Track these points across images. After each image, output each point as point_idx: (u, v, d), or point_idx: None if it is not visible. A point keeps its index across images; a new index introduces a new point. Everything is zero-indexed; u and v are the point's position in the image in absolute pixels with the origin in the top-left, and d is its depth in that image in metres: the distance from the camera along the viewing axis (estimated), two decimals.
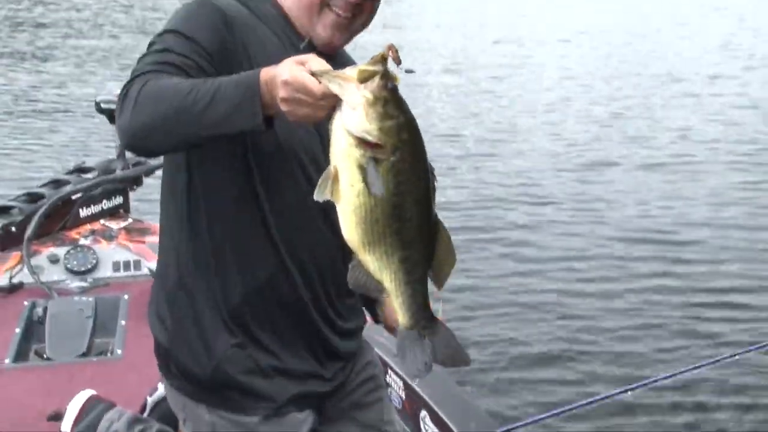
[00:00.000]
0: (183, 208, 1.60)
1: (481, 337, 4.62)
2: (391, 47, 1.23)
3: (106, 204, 4.04)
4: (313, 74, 1.23)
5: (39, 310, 3.21)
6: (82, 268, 3.60)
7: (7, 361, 2.92)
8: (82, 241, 3.77)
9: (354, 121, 1.22)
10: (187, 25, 1.49)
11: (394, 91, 1.23)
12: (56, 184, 4.03)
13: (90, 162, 4.28)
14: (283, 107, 1.26)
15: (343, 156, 1.25)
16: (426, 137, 1.32)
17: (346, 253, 1.39)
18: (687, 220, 6.75)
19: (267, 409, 1.60)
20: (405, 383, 2.73)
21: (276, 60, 1.42)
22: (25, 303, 3.29)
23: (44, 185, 4.06)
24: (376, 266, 1.32)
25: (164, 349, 1.67)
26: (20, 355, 3.00)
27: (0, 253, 3.59)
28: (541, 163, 8.21)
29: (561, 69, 13.33)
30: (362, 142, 1.23)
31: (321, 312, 1.64)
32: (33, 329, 3.17)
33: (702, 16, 19.55)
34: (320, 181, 1.27)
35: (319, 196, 1.26)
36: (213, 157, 1.53)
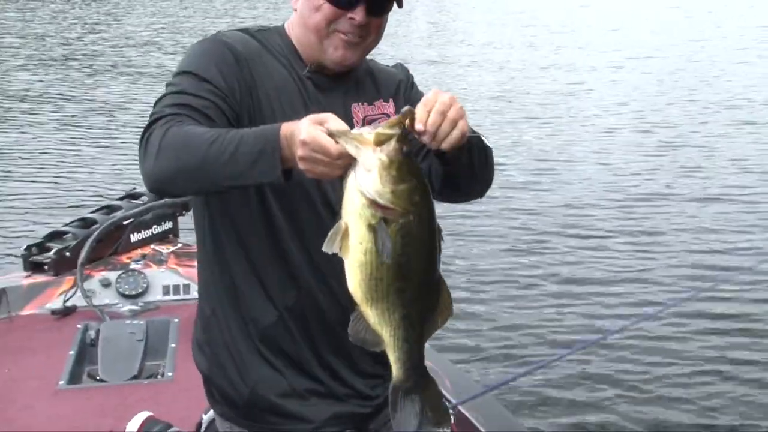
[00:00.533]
0: (208, 241, 1.66)
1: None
2: (408, 113, 1.28)
3: (156, 229, 4.11)
4: (330, 134, 1.26)
5: (92, 333, 3.26)
6: (133, 292, 3.65)
7: (61, 382, 2.97)
8: (133, 266, 3.83)
9: (368, 182, 1.27)
10: (200, 66, 1.54)
11: (408, 155, 1.28)
12: (108, 209, 4.11)
13: (140, 188, 4.34)
14: (301, 165, 1.29)
15: (355, 214, 1.29)
16: None
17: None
18: (743, 254, 6.33)
19: (305, 430, 1.64)
20: (453, 407, 2.68)
21: (283, 90, 1.53)
22: (78, 326, 3.34)
23: (96, 211, 4.16)
24: (377, 321, 1.37)
25: (205, 376, 1.73)
26: (74, 377, 3.05)
27: (54, 278, 3.66)
28: (589, 194, 7.88)
29: (612, 95, 12.84)
30: (374, 204, 1.28)
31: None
32: (86, 351, 3.22)
33: (759, 41, 18.46)
34: (330, 234, 1.31)
35: (328, 248, 1.31)
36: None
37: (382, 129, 1.27)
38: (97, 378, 3.08)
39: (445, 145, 1.37)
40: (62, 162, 8.90)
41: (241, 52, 1.57)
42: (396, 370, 1.42)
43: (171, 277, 3.72)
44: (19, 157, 9.07)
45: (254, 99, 1.55)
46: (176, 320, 3.39)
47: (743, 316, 5.25)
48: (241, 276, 1.63)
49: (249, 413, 1.66)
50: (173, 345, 3.23)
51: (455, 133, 1.37)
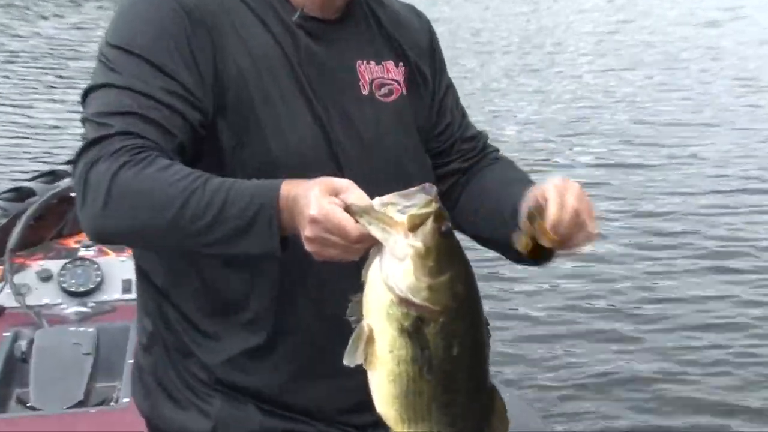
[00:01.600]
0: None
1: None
2: (431, 189, 1.18)
3: None
4: (347, 209, 1.16)
5: (23, 344, 2.89)
6: (82, 288, 3.27)
7: None
8: (83, 252, 3.44)
9: (399, 276, 1.16)
10: (147, 43, 1.32)
11: (449, 236, 1.18)
12: (52, 177, 3.82)
13: None
14: (308, 246, 1.18)
15: (382, 314, 1.18)
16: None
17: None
18: None
19: None
20: None
21: (262, 52, 1.37)
22: (6, 334, 2.99)
23: (36, 178, 3.91)
24: None
25: (146, 417, 1.63)
26: None
27: None
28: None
29: None
30: (406, 302, 1.17)
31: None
32: (15, 368, 2.86)
33: None
34: (351, 341, 1.20)
35: (349, 360, 1.19)
36: None
37: (417, 210, 1.16)
38: (28, 405, 2.76)
39: (564, 251, 1.34)
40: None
41: (192, 8, 1.35)
42: None
43: (132, 268, 3.17)
44: None
45: (221, 76, 1.35)
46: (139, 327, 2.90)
47: None
48: (197, 289, 1.47)
49: None
50: (132, 360, 2.68)
51: (584, 242, 1.31)
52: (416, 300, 1.16)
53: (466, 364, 1.23)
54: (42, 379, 2.78)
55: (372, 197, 1.18)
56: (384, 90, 1.51)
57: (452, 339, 1.20)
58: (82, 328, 2.98)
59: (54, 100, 9.75)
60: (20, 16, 15.98)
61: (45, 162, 6.85)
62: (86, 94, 1.33)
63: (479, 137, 1.71)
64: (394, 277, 1.16)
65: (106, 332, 2.96)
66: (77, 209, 1.31)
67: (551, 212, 1.25)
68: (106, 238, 1.37)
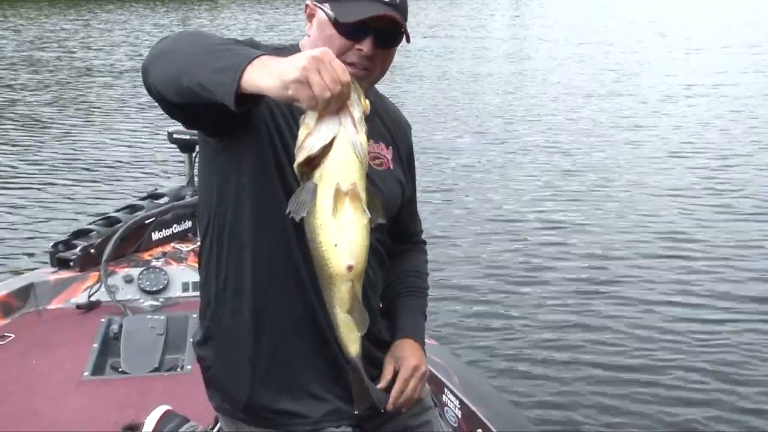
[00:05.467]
0: (209, 244, 1.65)
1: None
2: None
3: (176, 228, 4.21)
4: None
5: (114, 327, 3.34)
6: (154, 288, 3.74)
7: (86, 373, 3.07)
8: (154, 263, 3.91)
9: (365, 143, 1.28)
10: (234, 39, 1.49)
11: None
12: (131, 209, 4.20)
13: (162, 189, 4.48)
14: (298, 72, 1.17)
15: (359, 176, 1.29)
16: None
17: (372, 287, 1.58)
18: None
19: (305, 425, 1.66)
20: (461, 402, 2.78)
21: (296, 110, 1.44)
22: (102, 320, 3.43)
23: (120, 210, 4.23)
24: (357, 290, 1.38)
25: (205, 374, 1.74)
26: (97, 369, 3.14)
27: (80, 273, 3.76)
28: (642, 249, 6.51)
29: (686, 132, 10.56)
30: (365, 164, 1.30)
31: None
32: (109, 344, 3.31)
33: None
34: (333, 201, 1.27)
35: (325, 217, 1.26)
36: (251, 177, 1.55)
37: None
38: (120, 370, 3.16)
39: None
40: (89, 163, 9.11)
41: None
42: (360, 346, 1.49)
43: (190, 274, 3.80)
44: (48, 159, 9.30)
45: (270, 112, 1.51)
46: (195, 315, 3.39)
47: None
48: (241, 281, 1.61)
49: (249, 413, 1.67)
50: (191, 339, 3.30)
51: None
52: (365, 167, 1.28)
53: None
54: (129, 352, 3.18)
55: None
56: (378, 161, 1.69)
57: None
58: (155, 316, 3.40)
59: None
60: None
61: (126, 194, 7.33)
62: None
63: (418, 226, 1.96)
64: (364, 143, 1.26)
65: (173, 319, 3.36)
66: (145, 74, 1.38)
67: (394, 393, 1.66)
68: (152, 58, 1.36)
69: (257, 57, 1.22)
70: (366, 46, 1.54)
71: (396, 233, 1.84)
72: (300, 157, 1.25)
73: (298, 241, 1.51)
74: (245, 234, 1.58)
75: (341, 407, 1.67)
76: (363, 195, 1.26)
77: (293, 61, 1.19)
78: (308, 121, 1.24)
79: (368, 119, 1.34)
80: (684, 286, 5.64)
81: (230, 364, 1.67)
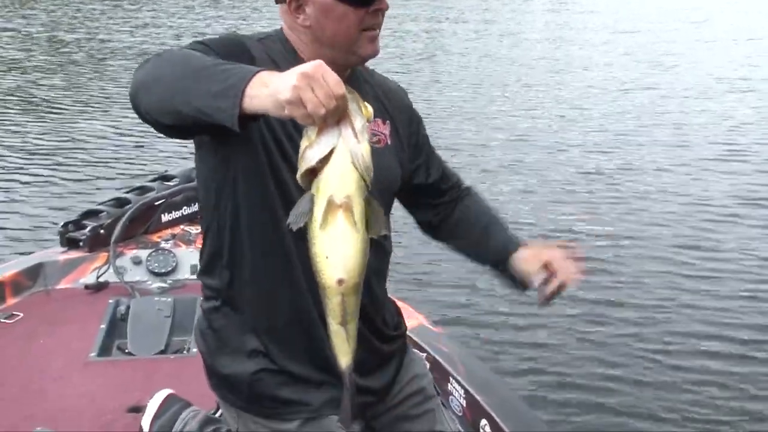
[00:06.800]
0: (208, 238, 1.68)
1: None
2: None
3: (185, 210, 4.20)
4: None
5: (122, 308, 3.36)
6: (163, 270, 3.74)
7: (92, 354, 3.09)
8: (163, 245, 3.92)
9: (367, 154, 1.26)
10: (213, 41, 1.51)
11: None
12: (141, 190, 4.22)
13: (173, 171, 4.48)
14: (290, 92, 1.17)
15: (355, 187, 1.26)
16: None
17: (377, 275, 1.56)
18: None
19: (305, 413, 1.65)
20: (466, 391, 2.78)
21: None
22: (110, 301, 3.44)
23: (130, 191, 4.25)
24: (353, 307, 1.34)
25: (206, 363, 1.74)
26: (104, 350, 3.16)
27: (89, 254, 3.78)
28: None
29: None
30: (365, 178, 1.27)
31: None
32: (116, 325, 3.32)
33: None
34: (324, 211, 1.25)
35: (317, 228, 1.25)
36: (244, 177, 1.56)
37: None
38: (126, 351, 3.18)
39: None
40: (99, 144, 9.13)
41: (255, 55, 1.53)
42: (352, 358, 1.43)
43: (198, 256, 3.80)
44: (58, 140, 9.34)
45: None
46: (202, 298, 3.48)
47: None
48: (240, 272, 1.63)
49: (250, 401, 1.67)
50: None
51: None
52: (370, 177, 1.25)
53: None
54: (136, 333, 3.19)
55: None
56: (374, 139, 1.64)
57: None
58: (163, 298, 3.40)
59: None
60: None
61: (137, 176, 7.34)
62: None
63: (453, 177, 1.93)
64: (365, 154, 1.24)
65: (180, 302, 3.34)
66: (135, 100, 1.40)
67: (555, 286, 1.72)
68: (140, 84, 1.36)
69: (253, 76, 1.22)
70: (383, 2, 1.53)
71: (435, 194, 1.87)
72: (301, 168, 1.25)
73: (293, 238, 1.51)
74: (242, 230, 1.59)
75: (341, 395, 1.66)
76: (358, 208, 1.25)
77: (286, 79, 1.18)
78: (309, 133, 1.24)
79: (363, 98, 1.31)
80: (713, 283, 5.52)
81: (230, 356, 1.67)
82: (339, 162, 1.23)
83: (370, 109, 1.27)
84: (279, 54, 1.57)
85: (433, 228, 1.95)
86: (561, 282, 1.73)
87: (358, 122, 1.22)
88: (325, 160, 1.23)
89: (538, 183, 7.78)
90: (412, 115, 1.82)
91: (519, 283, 1.84)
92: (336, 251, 1.26)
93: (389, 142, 1.71)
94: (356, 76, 1.66)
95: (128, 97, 1.40)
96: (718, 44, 16.46)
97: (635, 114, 10.54)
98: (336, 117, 1.20)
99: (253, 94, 1.21)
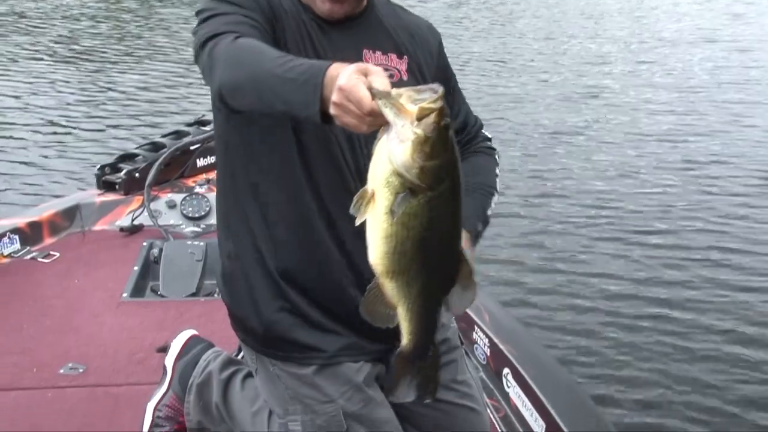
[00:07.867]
0: (228, 182, 1.69)
1: None
2: (438, 88, 1.24)
3: None
4: (370, 89, 1.21)
5: (155, 251, 3.42)
6: (196, 215, 3.80)
7: (125, 294, 3.15)
8: (197, 189, 3.96)
9: (400, 154, 1.23)
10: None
11: (445, 131, 1.23)
12: (177, 135, 4.27)
13: (209, 116, 4.42)
14: (332, 110, 1.25)
15: (383, 182, 1.25)
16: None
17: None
18: None
19: (320, 359, 1.67)
20: (490, 340, 2.79)
21: (295, 29, 1.55)
22: (144, 243, 3.51)
23: (166, 135, 4.32)
24: (395, 293, 1.35)
25: (228, 307, 1.77)
26: (137, 291, 3.22)
27: (124, 197, 3.84)
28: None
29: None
30: (400, 176, 1.24)
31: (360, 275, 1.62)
32: (149, 267, 3.39)
33: None
34: (356, 198, 1.28)
35: (355, 212, 1.28)
36: (261, 126, 1.60)
37: (427, 103, 1.21)
38: (158, 293, 3.23)
39: None
40: (138, 91, 9.22)
41: (277, 4, 1.57)
42: (407, 342, 1.41)
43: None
44: (100, 86, 9.44)
45: (277, 34, 1.56)
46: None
47: None
48: (261, 216, 1.65)
49: (267, 344, 1.70)
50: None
51: None
52: (408, 176, 1.23)
53: (443, 233, 1.32)
54: (168, 276, 3.25)
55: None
56: (387, 73, 1.48)
57: (434, 212, 1.27)
58: (195, 242, 3.44)
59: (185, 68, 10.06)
60: None
61: (175, 122, 7.15)
62: (196, 31, 1.51)
63: (473, 124, 1.86)
64: (395, 154, 1.23)
65: (212, 246, 3.09)
66: (207, 77, 1.46)
67: None
68: (230, 86, 1.41)
69: (325, 72, 1.28)
70: None
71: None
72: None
73: (309, 186, 1.58)
74: (264, 174, 1.63)
75: (358, 342, 1.67)
76: (385, 201, 1.27)
77: (334, 89, 1.25)
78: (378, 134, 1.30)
79: (372, 33, 1.36)
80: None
81: (248, 299, 1.69)
82: (379, 160, 1.27)
83: (411, 107, 1.24)
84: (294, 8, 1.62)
85: None
86: None
87: (399, 122, 1.23)
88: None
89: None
90: (439, 56, 1.81)
91: None
92: (369, 238, 1.31)
93: (404, 78, 1.69)
94: (369, 14, 1.69)
95: (215, 90, 1.46)
96: None
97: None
98: (378, 124, 1.24)
99: (327, 94, 1.28)
